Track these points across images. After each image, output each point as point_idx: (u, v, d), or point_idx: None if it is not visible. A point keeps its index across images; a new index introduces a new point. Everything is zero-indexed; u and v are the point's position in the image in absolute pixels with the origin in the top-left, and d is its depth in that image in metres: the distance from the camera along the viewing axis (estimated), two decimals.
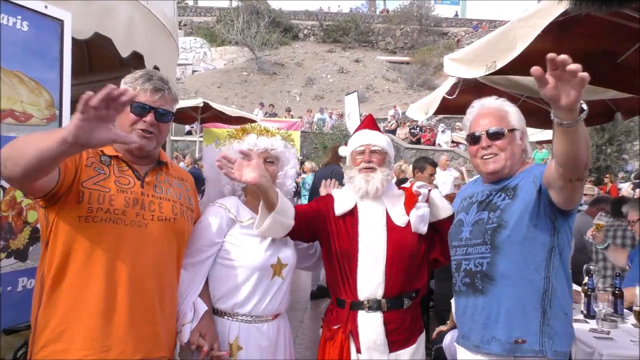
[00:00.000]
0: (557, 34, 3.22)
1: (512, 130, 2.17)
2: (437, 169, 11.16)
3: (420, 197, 2.30)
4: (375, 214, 2.37)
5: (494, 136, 2.15)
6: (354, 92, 20.94)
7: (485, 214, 2.14)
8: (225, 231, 2.25)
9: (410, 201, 2.36)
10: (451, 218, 2.37)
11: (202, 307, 2.12)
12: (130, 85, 1.92)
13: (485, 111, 2.22)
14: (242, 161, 2.09)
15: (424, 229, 2.33)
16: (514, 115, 2.21)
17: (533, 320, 2.01)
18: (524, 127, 2.22)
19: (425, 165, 5.61)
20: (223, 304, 2.23)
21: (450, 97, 5.01)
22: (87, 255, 1.77)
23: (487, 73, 3.79)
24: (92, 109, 1.36)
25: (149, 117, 1.92)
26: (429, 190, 2.37)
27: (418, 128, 20.25)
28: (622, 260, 4.19)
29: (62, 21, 2.27)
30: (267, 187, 2.13)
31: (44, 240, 1.83)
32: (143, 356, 1.84)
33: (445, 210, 2.38)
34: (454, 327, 3.65)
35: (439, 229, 2.38)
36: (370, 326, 2.27)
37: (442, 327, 3.74)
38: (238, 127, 2.51)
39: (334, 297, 2.41)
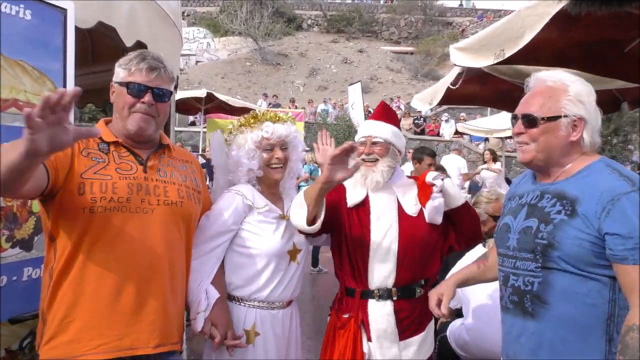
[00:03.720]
0: (564, 23, 3.19)
1: (552, 119, 1.76)
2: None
3: (435, 188, 2.28)
4: (386, 204, 2.37)
5: (528, 122, 1.80)
6: (357, 82, 20.83)
7: (534, 222, 1.78)
8: (242, 218, 2.26)
9: (425, 192, 2.34)
10: (464, 205, 2.36)
11: (214, 295, 2.12)
12: (125, 66, 1.89)
13: (537, 89, 1.86)
14: (347, 163, 2.02)
15: (439, 219, 2.33)
16: (572, 96, 1.77)
17: (597, 349, 1.68)
18: (585, 113, 1.78)
19: (423, 156, 5.63)
20: (240, 292, 2.25)
21: (454, 87, 4.98)
22: (95, 246, 1.76)
23: (495, 62, 3.76)
24: (37, 121, 1.29)
25: (147, 98, 1.87)
26: (442, 180, 2.35)
27: (422, 119, 20.18)
28: None
29: (65, 10, 2.26)
30: (330, 189, 2.13)
31: (47, 233, 1.82)
32: (158, 342, 1.84)
33: (458, 199, 2.37)
34: (450, 315, 3.66)
35: (452, 216, 2.37)
36: (381, 315, 2.28)
37: (442, 319, 3.74)
38: (245, 116, 2.48)
39: (343, 286, 2.42)
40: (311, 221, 2.17)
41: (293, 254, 2.33)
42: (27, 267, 2.15)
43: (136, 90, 1.86)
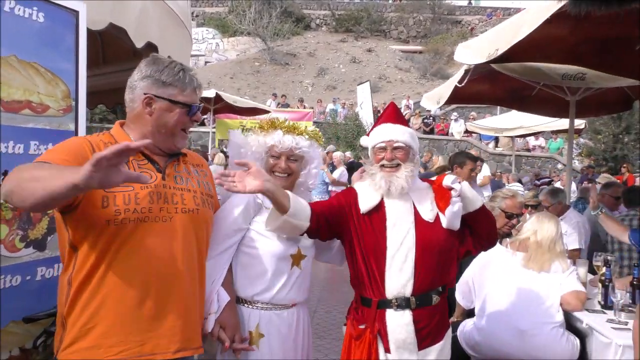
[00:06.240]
0: (575, 20, 3.17)
1: None
2: None
3: (454, 192, 2.20)
4: (403, 210, 2.29)
5: None
6: (366, 81, 20.80)
7: None
8: (252, 216, 2.27)
9: (443, 196, 2.26)
10: (482, 208, 2.30)
11: (225, 298, 2.14)
12: (175, 83, 1.89)
13: None
14: (242, 172, 2.02)
15: (458, 224, 2.25)
16: None
17: None
18: None
19: (465, 160, 5.30)
20: (243, 292, 2.26)
21: (460, 86, 4.97)
22: (118, 256, 1.77)
23: (487, 60, 3.77)
24: (104, 162, 1.37)
25: (198, 116, 1.96)
26: (460, 182, 2.26)
27: (431, 118, 20.12)
28: (615, 230, 4.06)
29: (77, 12, 2.28)
30: (274, 190, 2.06)
31: (67, 242, 1.80)
32: (179, 347, 1.85)
33: (476, 202, 2.29)
34: (461, 314, 3.66)
35: (469, 220, 2.30)
36: (400, 325, 2.21)
37: (452, 318, 3.74)
38: (253, 118, 2.51)
39: (358, 296, 2.36)
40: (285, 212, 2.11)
41: (297, 258, 2.31)
42: (40, 267, 2.17)
43: (195, 112, 1.94)
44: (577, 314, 3.23)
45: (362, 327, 2.27)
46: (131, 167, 1.85)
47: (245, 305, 2.26)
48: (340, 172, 10.84)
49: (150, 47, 2.93)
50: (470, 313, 3.60)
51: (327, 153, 11.35)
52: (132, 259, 1.78)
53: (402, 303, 2.22)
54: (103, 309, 1.75)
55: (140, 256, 1.79)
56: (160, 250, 1.82)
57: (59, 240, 1.86)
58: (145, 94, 1.89)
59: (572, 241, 4.92)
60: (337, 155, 11.86)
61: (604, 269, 3.48)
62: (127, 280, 1.77)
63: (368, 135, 2.47)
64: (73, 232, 1.78)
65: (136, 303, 1.77)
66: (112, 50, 4.05)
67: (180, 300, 1.87)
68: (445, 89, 5.71)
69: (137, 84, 1.91)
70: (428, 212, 2.31)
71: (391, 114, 2.45)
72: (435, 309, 2.29)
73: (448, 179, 2.23)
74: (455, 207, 2.21)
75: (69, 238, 1.79)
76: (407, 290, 2.22)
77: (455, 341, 3.44)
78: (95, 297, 1.75)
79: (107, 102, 4.95)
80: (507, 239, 3.55)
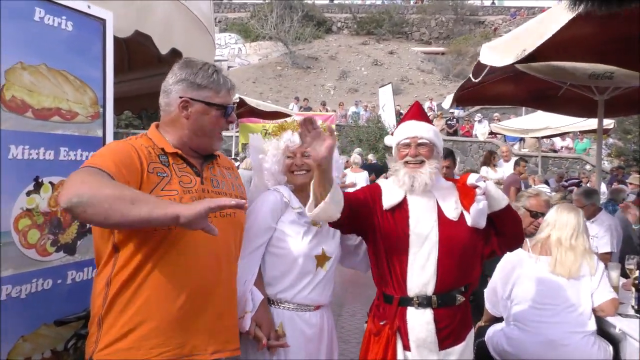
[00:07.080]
0: (603, 17, 3.10)
1: None
2: (501, 161, 10.67)
3: (478, 190, 2.16)
4: (426, 207, 2.27)
5: None
6: (388, 84, 20.74)
7: None
8: (279, 215, 2.31)
9: (467, 195, 2.23)
10: (507, 207, 2.25)
11: (259, 297, 2.19)
12: (210, 86, 1.90)
13: None
14: (322, 134, 1.89)
15: (483, 223, 2.21)
16: None
17: None
18: None
19: None
20: (268, 291, 2.29)
21: (476, 81, 4.90)
22: (161, 260, 1.77)
23: (514, 61, 3.71)
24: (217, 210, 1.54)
25: (233, 117, 1.98)
26: (485, 181, 2.23)
27: (455, 119, 19.91)
28: None
29: (104, 20, 2.32)
30: (327, 169, 1.96)
31: (110, 243, 1.79)
32: (216, 349, 1.86)
33: (501, 201, 2.25)
34: (489, 320, 3.59)
35: (494, 219, 2.25)
36: (420, 323, 2.19)
37: (480, 323, 3.68)
38: (275, 121, 2.55)
39: (381, 292, 2.35)
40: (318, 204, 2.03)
41: (321, 259, 2.33)
42: (70, 271, 2.21)
43: (230, 113, 1.96)
44: (610, 319, 3.15)
45: (382, 323, 2.26)
46: (173, 171, 1.86)
47: (269, 304, 2.29)
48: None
49: (175, 53, 2.97)
50: (497, 318, 3.54)
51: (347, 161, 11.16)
52: (176, 263, 1.79)
53: (423, 301, 2.21)
54: (144, 310, 1.75)
55: (183, 260, 1.80)
56: (202, 255, 1.83)
57: (95, 241, 1.85)
58: (181, 97, 1.90)
59: (604, 244, 4.82)
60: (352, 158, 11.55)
61: (637, 272, 3.39)
62: (170, 283, 1.78)
63: (392, 134, 2.47)
64: (118, 234, 1.78)
65: (178, 306, 1.78)
66: (138, 57, 4.11)
67: (218, 302, 1.89)
68: (471, 90, 5.67)
69: (172, 87, 1.92)
70: (452, 210, 2.28)
71: (416, 112, 2.46)
72: (457, 308, 2.27)
73: (472, 177, 2.20)
74: (480, 205, 2.18)
75: (114, 240, 1.78)
76: (429, 289, 2.21)
77: (483, 346, 3.39)
78: (136, 299, 1.76)
79: (132, 108, 5.02)
80: (528, 241, 3.44)
